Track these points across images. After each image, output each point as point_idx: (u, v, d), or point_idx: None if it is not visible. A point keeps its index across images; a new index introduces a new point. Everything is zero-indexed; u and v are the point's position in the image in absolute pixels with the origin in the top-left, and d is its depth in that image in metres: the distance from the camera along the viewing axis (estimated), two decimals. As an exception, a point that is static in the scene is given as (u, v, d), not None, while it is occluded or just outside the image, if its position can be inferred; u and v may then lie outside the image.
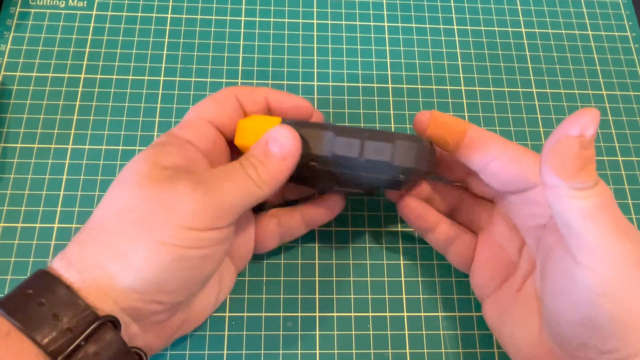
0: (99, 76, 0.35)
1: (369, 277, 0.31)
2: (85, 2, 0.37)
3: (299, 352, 0.29)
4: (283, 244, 0.30)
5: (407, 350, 0.29)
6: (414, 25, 0.39)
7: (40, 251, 0.30)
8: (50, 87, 0.34)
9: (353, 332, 0.30)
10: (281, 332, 0.29)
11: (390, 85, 0.36)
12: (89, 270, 0.21)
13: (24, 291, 0.20)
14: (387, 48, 0.37)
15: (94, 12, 0.36)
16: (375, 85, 0.36)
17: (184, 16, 0.37)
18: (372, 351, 0.29)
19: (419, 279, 0.31)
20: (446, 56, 0.38)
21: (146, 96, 0.34)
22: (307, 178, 0.27)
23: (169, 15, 0.37)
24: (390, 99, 0.36)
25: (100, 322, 0.20)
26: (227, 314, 0.29)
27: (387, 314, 0.30)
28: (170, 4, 0.37)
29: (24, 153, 0.32)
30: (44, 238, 0.30)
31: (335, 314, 0.30)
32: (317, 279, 0.31)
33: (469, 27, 0.39)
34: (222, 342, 0.29)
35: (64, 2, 0.37)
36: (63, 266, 0.21)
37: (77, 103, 0.34)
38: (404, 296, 0.31)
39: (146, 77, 0.35)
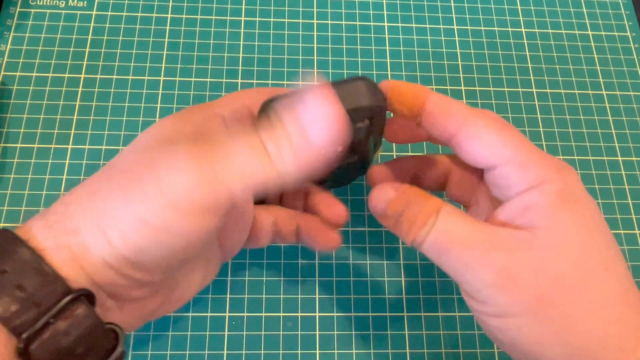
0: (99, 76, 0.35)
1: (369, 277, 0.31)
2: (85, 2, 0.37)
3: (299, 352, 0.29)
4: (283, 245, 0.30)
5: (407, 350, 0.29)
6: (414, 25, 0.39)
7: (40, 251, 0.30)
8: (50, 87, 0.34)
9: (353, 332, 0.30)
10: (281, 332, 0.29)
11: (390, 85, 0.36)
12: (66, 235, 0.19)
13: None
14: (387, 48, 0.37)
15: (94, 12, 0.36)
16: (375, 85, 0.36)
17: (184, 16, 0.37)
18: (372, 351, 0.29)
19: (419, 279, 0.31)
20: (446, 56, 0.38)
21: (146, 96, 0.34)
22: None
23: (169, 15, 0.37)
24: (390, 99, 0.36)
25: (73, 296, 0.18)
26: (227, 314, 0.29)
27: (387, 314, 0.30)
28: (170, 4, 0.37)
29: (24, 153, 0.32)
30: (44, 238, 0.30)
31: (335, 314, 0.30)
32: (317, 279, 0.31)
33: (469, 27, 0.39)
34: (222, 342, 0.29)
35: (64, 2, 0.37)
36: (40, 227, 0.19)
37: (77, 103, 0.34)
38: (404, 296, 0.31)
39: (146, 77, 0.35)
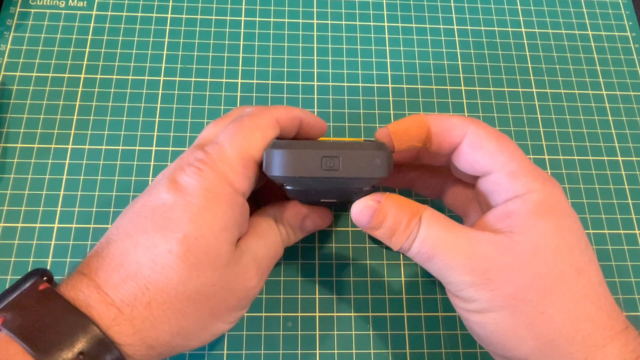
0: (99, 76, 0.35)
1: (369, 277, 0.31)
2: (85, 2, 0.37)
3: (299, 352, 0.29)
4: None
5: (407, 350, 0.29)
6: (414, 25, 0.39)
7: (40, 251, 0.30)
8: (50, 87, 0.34)
9: (353, 332, 0.30)
10: (281, 332, 0.29)
11: (390, 85, 0.36)
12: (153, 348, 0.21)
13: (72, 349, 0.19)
14: (387, 48, 0.37)
15: (94, 12, 0.36)
16: (375, 85, 0.36)
17: (184, 16, 0.37)
18: (372, 351, 0.29)
19: (419, 279, 0.31)
20: (446, 56, 0.38)
21: (146, 96, 0.34)
22: (298, 192, 0.25)
23: (169, 15, 0.37)
24: (390, 99, 0.36)
25: None
26: (227, 314, 0.29)
27: (387, 314, 0.30)
28: (170, 4, 0.37)
29: (24, 153, 0.32)
30: (43, 238, 0.30)
31: (335, 314, 0.30)
32: (317, 279, 0.31)
33: (469, 27, 0.39)
34: (222, 342, 0.29)
35: (64, 2, 0.37)
36: (98, 300, 0.20)
37: (77, 103, 0.34)
38: (404, 296, 0.31)
39: (146, 77, 0.35)
